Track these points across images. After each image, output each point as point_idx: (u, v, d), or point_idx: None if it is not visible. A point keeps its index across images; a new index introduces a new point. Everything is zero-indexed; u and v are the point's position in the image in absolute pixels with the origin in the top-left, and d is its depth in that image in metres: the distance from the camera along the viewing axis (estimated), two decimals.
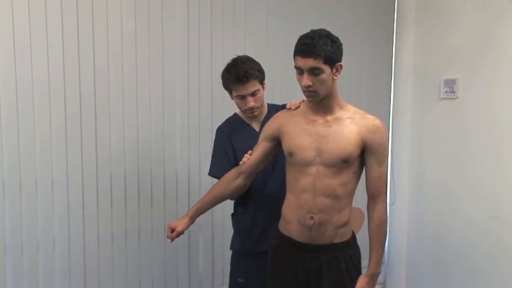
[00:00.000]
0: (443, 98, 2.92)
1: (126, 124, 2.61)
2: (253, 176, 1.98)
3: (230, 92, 2.08)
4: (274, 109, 2.18)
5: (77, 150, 2.50)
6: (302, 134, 1.78)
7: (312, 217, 1.76)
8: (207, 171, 2.21)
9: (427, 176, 3.12)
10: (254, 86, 2.01)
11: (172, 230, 1.97)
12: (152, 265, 2.74)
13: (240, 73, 1.98)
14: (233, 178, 1.96)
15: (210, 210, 2.84)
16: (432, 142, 3.07)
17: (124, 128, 2.61)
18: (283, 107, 2.19)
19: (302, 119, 1.81)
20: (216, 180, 2.13)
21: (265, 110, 2.16)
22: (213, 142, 2.24)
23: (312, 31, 1.70)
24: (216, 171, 2.13)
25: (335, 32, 1.79)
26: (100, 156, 2.56)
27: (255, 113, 2.08)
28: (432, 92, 3.01)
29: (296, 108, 1.87)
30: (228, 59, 2.81)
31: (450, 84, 2.86)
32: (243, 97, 2.02)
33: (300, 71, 1.69)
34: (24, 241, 2.42)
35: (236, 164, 2.06)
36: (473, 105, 2.74)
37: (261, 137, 1.92)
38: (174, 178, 2.75)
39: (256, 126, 2.14)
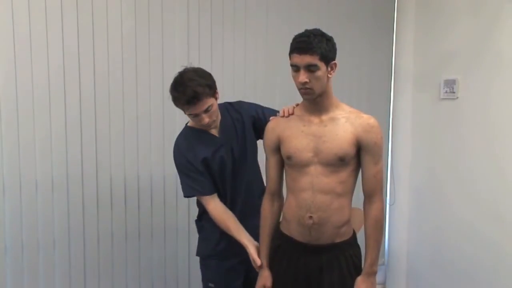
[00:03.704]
0: (443, 99, 2.93)
1: (126, 124, 2.61)
2: (282, 188, 1.96)
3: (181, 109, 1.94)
4: (225, 109, 2.07)
5: (77, 150, 2.51)
6: (299, 136, 1.78)
7: (310, 217, 1.76)
8: None
9: (427, 176, 3.12)
10: (205, 103, 1.86)
11: None
12: (152, 265, 2.74)
13: (189, 94, 1.82)
14: (272, 206, 1.94)
15: None
16: (432, 142, 3.07)
17: (124, 128, 2.61)
18: (230, 104, 2.10)
19: (298, 122, 1.82)
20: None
21: (219, 114, 2.03)
22: None
23: (307, 30, 1.72)
24: (198, 191, 2.02)
25: (335, 32, 1.79)
26: (100, 156, 2.56)
27: (212, 126, 1.98)
28: (432, 92, 3.02)
29: (290, 115, 1.86)
30: (228, 59, 2.84)
31: (450, 85, 2.86)
32: (196, 115, 1.90)
33: (296, 68, 1.70)
34: (24, 241, 2.43)
35: (209, 175, 2.00)
36: (473, 105, 2.74)
37: (267, 152, 1.92)
38: (174, 178, 2.74)
39: (214, 132, 2.04)
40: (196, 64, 2.72)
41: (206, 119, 1.91)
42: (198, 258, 2.88)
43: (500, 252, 2.59)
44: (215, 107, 1.94)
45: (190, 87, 1.83)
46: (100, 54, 2.52)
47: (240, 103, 2.14)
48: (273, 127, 1.89)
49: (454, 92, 2.84)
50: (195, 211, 2.79)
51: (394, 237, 3.40)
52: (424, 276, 3.16)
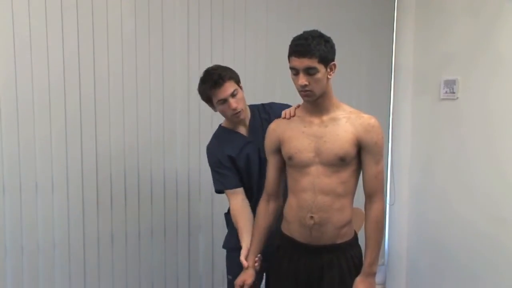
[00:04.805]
0: (443, 99, 2.93)
1: (126, 124, 2.61)
2: (282, 190, 1.97)
3: (211, 102, 2.06)
4: (256, 109, 2.17)
5: (77, 150, 2.50)
6: (300, 137, 1.79)
7: (312, 217, 1.76)
8: (208, 170, 2.19)
9: (427, 176, 3.12)
10: (231, 86, 2.00)
11: (241, 286, 1.91)
12: (152, 266, 2.74)
13: (215, 77, 1.98)
14: (267, 206, 1.95)
15: (210, 211, 2.85)
16: (432, 142, 3.07)
17: (124, 128, 2.60)
18: (262, 105, 2.19)
19: (299, 123, 1.82)
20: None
21: (249, 113, 2.15)
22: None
23: (305, 32, 1.72)
24: (222, 185, 2.12)
25: (335, 32, 1.79)
26: (100, 157, 2.56)
27: (241, 117, 2.06)
28: (432, 93, 3.02)
29: (291, 117, 1.86)
30: (228, 59, 2.84)
31: (450, 85, 2.86)
32: (224, 101, 2.01)
33: (295, 71, 1.70)
34: (24, 242, 2.42)
35: (238, 173, 2.09)
36: (473, 105, 2.74)
37: (267, 152, 1.93)
38: (174, 178, 2.75)
39: (243, 131, 2.14)
40: (196, 64, 2.75)
41: (234, 104, 1.99)
42: (198, 258, 2.90)
43: (500, 251, 2.59)
44: (241, 95, 2.05)
45: (215, 73, 2.00)
46: (100, 54, 2.51)
47: (271, 104, 2.21)
48: (274, 128, 1.89)
49: (454, 93, 2.84)
50: (195, 211, 2.81)
51: (394, 237, 3.40)
52: (424, 276, 3.16)
